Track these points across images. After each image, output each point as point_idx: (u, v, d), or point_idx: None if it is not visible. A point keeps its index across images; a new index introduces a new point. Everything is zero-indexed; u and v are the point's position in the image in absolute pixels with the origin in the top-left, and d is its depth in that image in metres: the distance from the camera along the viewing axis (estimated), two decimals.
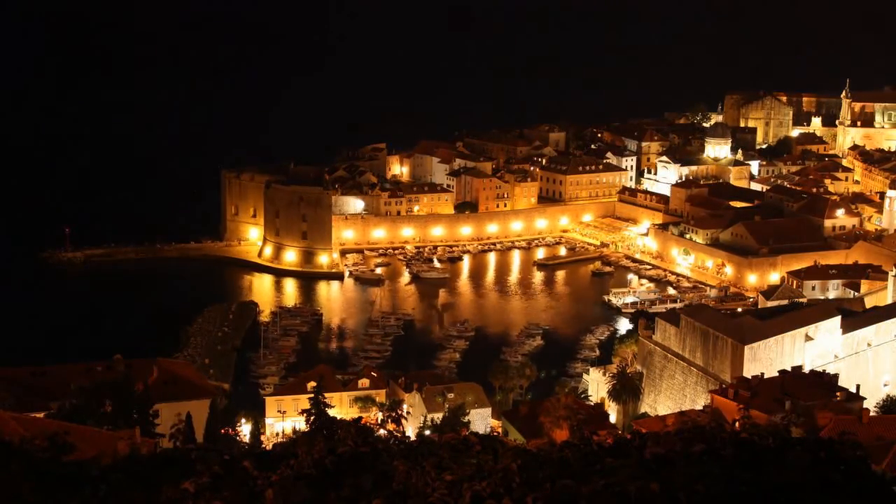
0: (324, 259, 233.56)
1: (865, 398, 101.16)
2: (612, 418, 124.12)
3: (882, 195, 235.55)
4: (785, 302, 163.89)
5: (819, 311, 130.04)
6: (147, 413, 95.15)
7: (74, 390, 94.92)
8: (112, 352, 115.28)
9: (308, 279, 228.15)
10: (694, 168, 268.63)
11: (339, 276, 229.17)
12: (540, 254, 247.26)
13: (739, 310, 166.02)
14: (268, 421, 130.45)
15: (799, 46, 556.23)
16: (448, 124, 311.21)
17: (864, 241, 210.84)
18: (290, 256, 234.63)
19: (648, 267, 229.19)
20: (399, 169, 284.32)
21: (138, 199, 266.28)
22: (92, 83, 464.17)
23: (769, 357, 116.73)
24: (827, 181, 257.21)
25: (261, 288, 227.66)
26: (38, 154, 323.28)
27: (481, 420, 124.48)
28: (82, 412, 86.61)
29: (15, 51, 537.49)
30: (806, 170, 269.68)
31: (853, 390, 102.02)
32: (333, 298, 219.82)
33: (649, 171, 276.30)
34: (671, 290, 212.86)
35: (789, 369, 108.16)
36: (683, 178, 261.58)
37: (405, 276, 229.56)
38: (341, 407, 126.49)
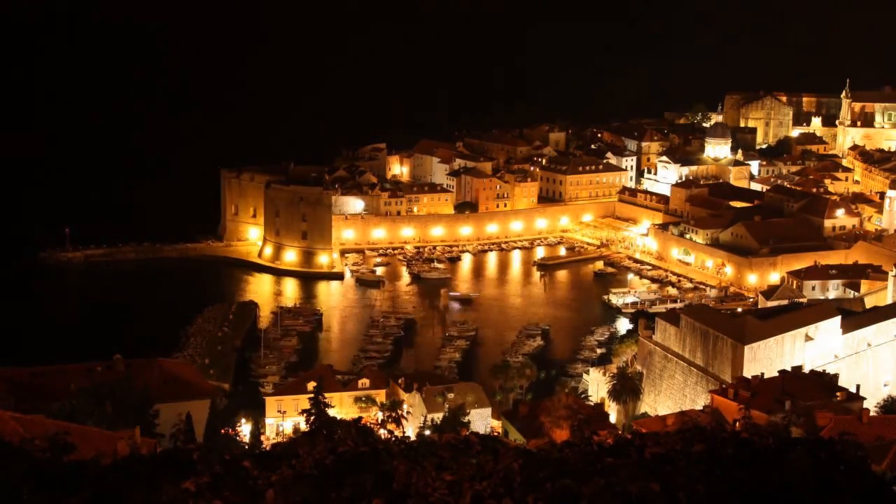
0: (324, 259, 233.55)
1: (865, 398, 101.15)
2: (612, 418, 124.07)
3: (882, 195, 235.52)
4: (785, 302, 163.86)
5: (819, 311, 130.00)
6: (147, 413, 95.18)
7: (74, 390, 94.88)
8: (112, 352, 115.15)
9: (308, 279, 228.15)
10: (694, 168, 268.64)
11: (339, 276, 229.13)
12: (540, 253, 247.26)
13: (739, 310, 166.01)
14: (268, 421, 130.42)
15: (801, 46, 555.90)
16: (448, 124, 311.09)
17: (864, 241, 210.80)
18: (290, 256, 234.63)
19: (649, 267, 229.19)
20: (399, 169, 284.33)
21: (138, 199, 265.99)
22: (91, 81, 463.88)
23: (769, 357, 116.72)
24: (827, 181, 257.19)
25: (261, 288, 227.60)
26: (38, 154, 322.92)
27: (481, 420, 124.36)
28: (82, 412, 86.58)
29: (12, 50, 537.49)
30: (806, 170, 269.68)
31: (853, 390, 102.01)
32: (333, 298, 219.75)
33: (649, 171, 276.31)
34: (671, 290, 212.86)
35: (789, 369, 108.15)
36: (683, 178, 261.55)
37: (405, 277, 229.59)
38: (341, 407, 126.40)
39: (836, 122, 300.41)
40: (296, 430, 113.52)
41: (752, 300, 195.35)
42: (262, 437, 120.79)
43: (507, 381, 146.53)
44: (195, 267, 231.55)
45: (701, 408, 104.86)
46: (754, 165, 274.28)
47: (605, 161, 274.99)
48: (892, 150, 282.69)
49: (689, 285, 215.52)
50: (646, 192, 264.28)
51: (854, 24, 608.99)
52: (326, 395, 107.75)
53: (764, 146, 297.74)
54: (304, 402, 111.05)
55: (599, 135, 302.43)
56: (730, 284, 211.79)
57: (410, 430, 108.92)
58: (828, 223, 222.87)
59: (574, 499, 20.65)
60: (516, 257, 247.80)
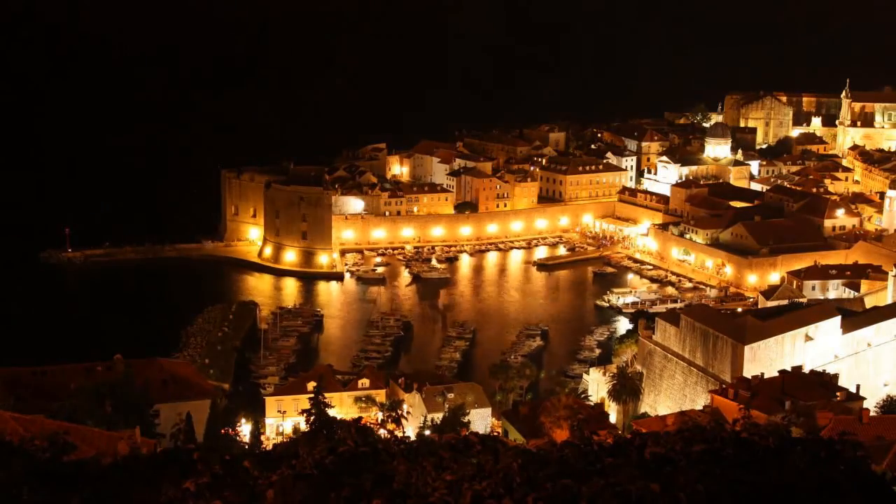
0: (324, 259, 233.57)
1: (865, 398, 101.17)
2: (612, 418, 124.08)
3: (882, 195, 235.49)
4: (785, 302, 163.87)
5: (819, 311, 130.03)
6: (147, 413, 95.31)
7: (74, 390, 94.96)
8: (112, 352, 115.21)
9: (308, 279, 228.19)
10: (694, 168, 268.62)
11: (339, 276, 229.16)
12: (540, 253, 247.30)
13: (739, 310, 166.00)
14: (268, 421, 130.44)
15: (801, 45, 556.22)
16: (448, 124, 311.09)
17: (864, 241, 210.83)
18: (290, 256, 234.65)
19: (649, 267, 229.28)
20: (399, 169, 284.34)
21: (138, 200, 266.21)
22: (91, 82, 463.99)
23: (769, 357, 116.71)
24: (827, 181, 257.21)
25: (261, 288, 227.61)
26: (38, 154, 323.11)
27: (481, 420, 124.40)
28: (82, 412, 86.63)
29: (10, 50, 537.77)
30: (806, 170, 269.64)
31: (853, 390, 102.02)
32: (333, 298, 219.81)
33: (649, 171, 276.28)
34: (671, 290, 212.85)
35: (789, 369, 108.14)
36: (683, 178, 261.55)
37: (405, 277, 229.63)
38: (341, 407, 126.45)
39: (836, 122, 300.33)
40: (296, 430, 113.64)
41: (752, 300, 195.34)
42: (262, 437, 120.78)
43: (507, 381, 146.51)
44: (195, 267, 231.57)
45: (701, 408, 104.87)
46: (754, 165, 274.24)
47: (605, 161, 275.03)
48: (892, 150, 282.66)
49: (689, 285, 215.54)
50: (646, 192, 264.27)
51: (854, 24, 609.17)
52: (326, 395, 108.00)
53: (764, 146, 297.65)
54: (304, 402, 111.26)
55: (599, 135, 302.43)
56: (730, 284, 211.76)
57: (410, 430, 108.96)
58: (828, 223, 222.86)
59: (574, 499, 20.66)
60: (515, 257, 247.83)
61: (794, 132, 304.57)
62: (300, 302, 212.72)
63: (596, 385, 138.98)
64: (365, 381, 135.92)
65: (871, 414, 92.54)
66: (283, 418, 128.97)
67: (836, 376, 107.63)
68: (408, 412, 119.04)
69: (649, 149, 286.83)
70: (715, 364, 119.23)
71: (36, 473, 27.59)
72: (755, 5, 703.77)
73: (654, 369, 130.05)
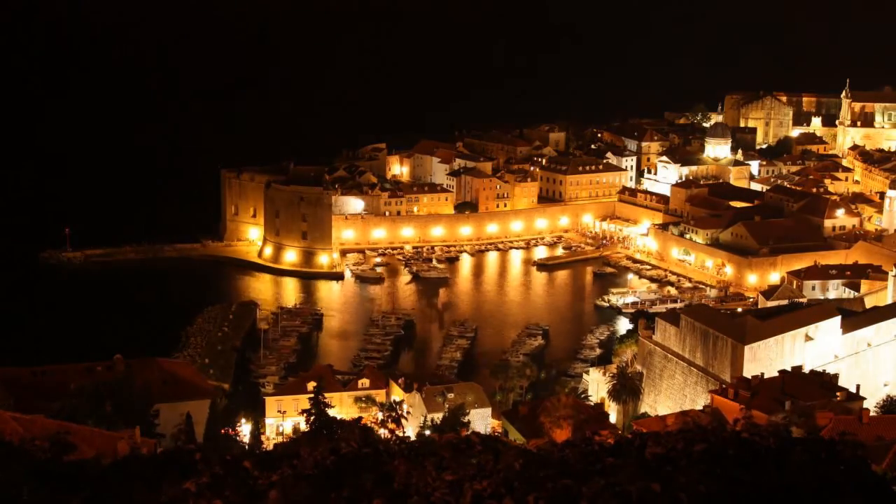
0: (324, 259, 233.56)
1: (865, 398, 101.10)
2: (612, 418, 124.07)
3: (882, 195, 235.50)
4: (785, 302, 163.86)
5: (819, 311, 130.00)
6: (147, 413, 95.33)
7: (74, 390, 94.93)
8: (112, 352, 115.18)
9: (308, 279, 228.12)
10: (694, 168, 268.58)
11: (339, 276, 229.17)
12: (540, 253, 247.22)
13: (739, 310, 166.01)
14: (268, 421, 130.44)
15: (800, 46, 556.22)
16: (448, 124, 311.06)
17: (864, 241, 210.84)
18: (290, 256, 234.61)
19: (649, 267, 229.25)
20: (399, 169, 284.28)
21: (138, 200, 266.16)
22: (90, 82, 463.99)
23: (769, 357, 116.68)
24: (827, 181, 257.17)
25: (261, 288, 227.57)
26: (39, 154, 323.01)
27: (481, 420, 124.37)
28: (82, 412, 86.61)
29: (10, 50, 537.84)
30: (806, 170, 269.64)
31: (853, 390, 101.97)
32: (333, 298, 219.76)
33: (649, 171, 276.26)
34: (671, 290, 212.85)
35: (789, 369, 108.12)
36: (683, 178, 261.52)
37: (405, 276, 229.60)
38: (341, 407, 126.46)
39: (836, 122, 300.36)
40: (296, 430, 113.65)
41: (752, 300, 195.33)
42: (262, 437, 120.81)
43: (507, 381, 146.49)
44: (195, 267, 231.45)
45: (701, 408, 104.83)
46: (754, 165, 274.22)
47: (605, 161, 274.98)
48: (892, 150, 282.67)
49: (689, 285, 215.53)
50: (646, 192, 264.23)
51: (854, 24, 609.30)
52: (326, 395, 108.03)
53: (764, 146, 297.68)
54: (304, 402, 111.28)
55: (599, 135, 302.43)
56: (730, 284, 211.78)
57: (410, 430, 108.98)
58: (828, 223, 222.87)
59: (574, 499, 20.66)
60: (515, 257, 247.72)
61: (794, 132, 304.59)
62: (300, 302, 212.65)
63: (596, 385, 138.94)
64: (365, 381, 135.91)
65: (871, 414, 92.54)
66: (283, 418, 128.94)
67: (836, 376, 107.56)
68: (408, 412, 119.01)
69: (649, 149, 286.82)
70: (715, 364, 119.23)
71: (36, 473, 27.59)
72: (755, 5, 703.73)
73: (654, 369, 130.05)
